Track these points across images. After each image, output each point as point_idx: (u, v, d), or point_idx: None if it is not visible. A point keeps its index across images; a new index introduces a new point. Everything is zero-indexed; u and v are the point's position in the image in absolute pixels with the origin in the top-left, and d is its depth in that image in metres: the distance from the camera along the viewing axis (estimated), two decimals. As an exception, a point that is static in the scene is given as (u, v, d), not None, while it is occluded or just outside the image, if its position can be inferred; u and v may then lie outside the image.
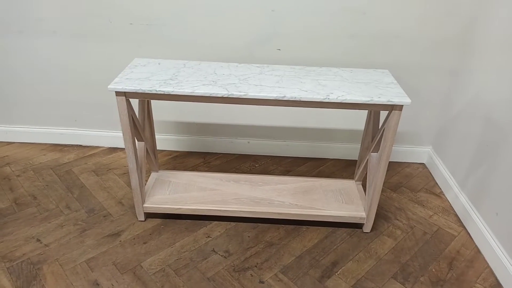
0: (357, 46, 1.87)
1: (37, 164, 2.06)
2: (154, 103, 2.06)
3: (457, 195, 1.84)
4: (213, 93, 1.35)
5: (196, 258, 1.54)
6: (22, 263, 1.48)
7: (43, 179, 1.95)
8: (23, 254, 1.52)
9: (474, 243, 1.66)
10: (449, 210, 1.86)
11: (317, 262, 1.54)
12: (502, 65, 1.56)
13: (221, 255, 1.55)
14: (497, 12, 1.62)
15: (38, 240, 1.59)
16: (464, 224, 1.76)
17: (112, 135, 2.22)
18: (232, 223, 1.71)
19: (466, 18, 1.78)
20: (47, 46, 1.95)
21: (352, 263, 1.55)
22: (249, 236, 1.65)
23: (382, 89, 1.43)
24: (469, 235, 1.70)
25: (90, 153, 2.19)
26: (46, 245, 1.56)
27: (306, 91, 1.38)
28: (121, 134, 2.14)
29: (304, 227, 1.71)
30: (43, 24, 1.89)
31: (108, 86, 1.36)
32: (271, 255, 1.56)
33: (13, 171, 2.00)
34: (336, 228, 1.71)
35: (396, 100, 1.35)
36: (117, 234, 1.63)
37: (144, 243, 1.60)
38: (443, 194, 1.97)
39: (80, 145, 2.25)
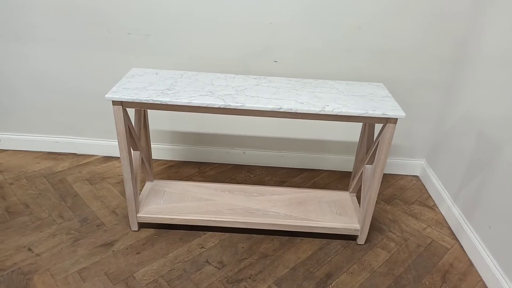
0: (352, 60, 1.90)
1: (30, 172, 2.05)
2: (150, 112, 2.07)
3: (450, 208, 1.85)
4: (210, 103, 1.36)
5: (189, 269, 1.53)
6: (13, 273, 1.46)
7: (36, 187, 1.94)
8: (14, 264, 1.49)
9: (467, 256, 1.67)
10: (442, 223, 1.87)
11: (311, 274, 1.54)
12: (494, 81, 1.60)
13: (215, 266, 1.54)
14: (490, 30, 1.66)
15: (29, 249, 1.57)
16: (457, 237, 1.77)
17: (107, 144, 2.21)
18: (226, 233, 1.71)
19: (459, 34, 1.82)
20: (44, 54, 1.95)
21: (346, 275, 1.55)
22: (243, 247, 1.65)
23: (377, 102, 1.45)
24: (462, 248, 1.71)
25: (85, 161, 2.18)
26: (37, 255, 1.54)
27: (302, 103, 1.39)
28: (116, 143, 2.14)
29: (298, 239, 1.71)
30: (41, 32, 1.89)
31: (106, 95, 1.36)
32: (265, 267, 1.56)
33: (6, 179, 1.98)
34: (331, 239, 1.71)
35: (390, 113, 1.37)
36: (110, 244, 1.62)
37: (137, 253, 1.58)
38: (437, 207, 1.98)
39: (75, 154, 2.24)
